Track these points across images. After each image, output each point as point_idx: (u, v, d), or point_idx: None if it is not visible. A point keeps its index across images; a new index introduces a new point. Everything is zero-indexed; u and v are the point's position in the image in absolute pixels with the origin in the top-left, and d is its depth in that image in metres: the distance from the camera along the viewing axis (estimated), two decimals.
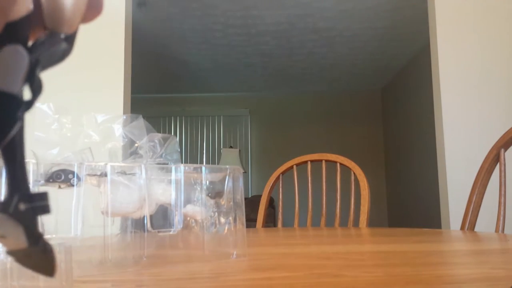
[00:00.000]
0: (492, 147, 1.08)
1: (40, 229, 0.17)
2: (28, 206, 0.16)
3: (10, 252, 0.17)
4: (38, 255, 0.17)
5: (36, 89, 0.17)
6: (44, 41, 0.17)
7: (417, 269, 0.46)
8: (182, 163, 0.55)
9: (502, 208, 1.00)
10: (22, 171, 0.16)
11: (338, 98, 5.83)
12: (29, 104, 0.16)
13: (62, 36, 0.17)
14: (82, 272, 0.46)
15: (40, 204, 0.17)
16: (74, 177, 0.46)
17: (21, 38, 0.16)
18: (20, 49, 0.16)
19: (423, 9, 3.29)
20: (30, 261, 0.18)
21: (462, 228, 1.04)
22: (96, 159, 0.50)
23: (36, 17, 0.17)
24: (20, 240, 0.16)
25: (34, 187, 0.45)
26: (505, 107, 2.13)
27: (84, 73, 2.18)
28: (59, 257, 0.35)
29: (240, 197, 0.57)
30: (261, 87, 5.62)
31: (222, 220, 0.56)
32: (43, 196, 0.17)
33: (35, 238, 0.17)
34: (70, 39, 0.18)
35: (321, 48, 4.22)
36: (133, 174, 0.51)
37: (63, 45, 0.18)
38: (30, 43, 0.17)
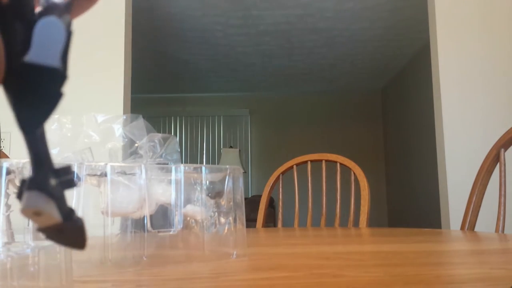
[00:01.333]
0: (492, 147, 1.08)
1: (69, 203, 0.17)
2: (56, 181, 0.16)
3: (43, 229, 0.17)
4: (70, 230, 0.17)
5: (67, 63, 0.16)
6: (44, 10, 0.16)
7: (417, 269, 0.46)
8: (182, 163, 0.55)
9: (502, 208, 1.00)
10: (45, 147, 0.16)
11: (338, 98, 5.83)
12: (65, 78, 0.16)
13: (61, 4, 0.17)
14: (82, 272, 0.46)
15: (67, 178, 0.17)
16: (74, 177, 0.46)
17: (28, 7, 0.16)
18: (58, 21, 0.15)
19: (423, 9, 3.29)
20: (63, 236, 0.17)
21: (462, 228, 1.04)
22: (96, 159, 0.50)
23: None
24: (54, 216, 0.16)
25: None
26: (505, 107, 2.13)
27: (84, 73, 2.18)
28: (59, 257, 0.35)
29: (240, 197, 0.57)
30: (261, 87, 5.62)
31: (222, 220, 0.56)
32: (68, 170, 0.17)
33: (68, 212, 0.17)
34: (68, 8, 0.17)
35: (321, 48, 4.22)
36: (133, 174, 0.51)
37: (64, 15, 0.17)
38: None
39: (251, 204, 3.49)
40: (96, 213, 0.49)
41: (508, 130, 1.05)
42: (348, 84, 5.54)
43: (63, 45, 0.16)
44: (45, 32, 0.15)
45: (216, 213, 0.56)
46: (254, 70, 4.95)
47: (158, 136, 0.55)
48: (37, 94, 0.15)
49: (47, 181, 0.16)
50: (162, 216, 0.53)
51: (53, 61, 0.15)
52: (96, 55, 2.20)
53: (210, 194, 0.55)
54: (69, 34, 0.16)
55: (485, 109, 2.14)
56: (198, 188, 0.55)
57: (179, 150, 0.57)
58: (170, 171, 0.53)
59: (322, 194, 1.45)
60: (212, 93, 5.89)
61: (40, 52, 0.15)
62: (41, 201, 0.16)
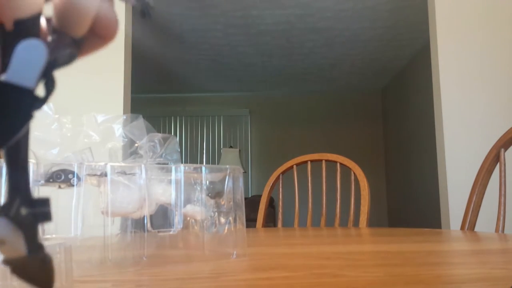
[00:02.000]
0: (492, 147, 1.08)
1: (41, 238, 0.16)
2: (29, 211, 0.15)
3: (7, 261, 0.16)
4: (36, 265, 0.16)
5: (50, 87, 0.16)
6: (52, 41, 0.17)
7: (417, 269, 0.46)
8: (182, 163, 0.55)
9: (502, 208, 1.00)
10: (24, 174, 0.16)
11: (338, 98, 5.83)
12: (42, 102, 0.16)
13: (70, 39, 0.17)
14: (82, 272, 0.46)
15: (42, 210, 0.16)
16: (74, 177, 0.46)
17: (32, 36, 0.16)
18: (40, 44, 0.15)
19: (423, 9, 3.29)
20: (27, 271, 0.16)
21: (462, 228, 1.04)
22: (96, 159, 0.50)
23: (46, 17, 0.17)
24: (19, 247, 0.15)
25: (34, 187, 0.45)
26: (505, 107, 2.13)
27: (84, 73, 2.18)
28: (59, 257, 0.35)
29: (240, 197, 0.57)
30: (261, 87, 5.62)
31: (222, 220, 0.56)
32: (45, 202, 0.16)
33: (35, 246, 0.16)
34: (78, 44, 0.18)
35: (321, 48, 4.22)
36: (133, 174, 0.51)
37: (71, 49, 0.17)
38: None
39: (251, 204, 3.49)
40: (96, 213, 0.49)
41: (508, 130, 1.05)
42: (348, 84, 5.53)
43: (43, 68, 0.15)
44: (24, 54, 0.15)
45: (216, 213, 0.56)
46: (254, 70, 4.94)
47: (158, 136, 0.55)
48: (3, 112, 0.15)
49: (18, 210, 0.15)
50: (162, 216, 0.53)
51: (27, 82, 0.15)
52: (96, 55, 2.19)
53: (210, 194, 0.55)
54: (54, 59, 0.16)
55: (485, 109, 2.14)
56: (198, 188, 0.55)
57: (179, 150, 0.57)
58: (170, 171, 0.53)
59: (322, 194, 1.45)
60: (212, 93, 5.89)
61: (17, 72, 0.15)
62: (7, 229, 0.15)
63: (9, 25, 0.15)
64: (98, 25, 0.18)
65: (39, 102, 0.15)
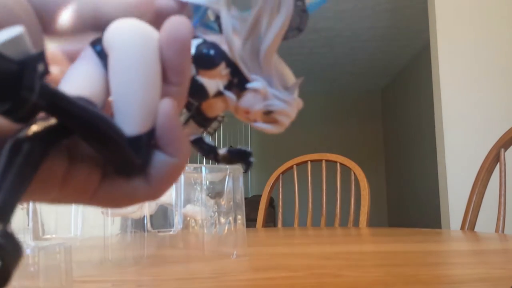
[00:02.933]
0: (492, 147, 1.08)
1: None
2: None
3: None
4: None
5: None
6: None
7: (417, 269, 0.46)
8: None
9: (502, 208, 1.00)
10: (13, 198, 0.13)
11: (338, 98, 5.83)
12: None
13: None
14: (82, 272, 0.46)
15: (8, 247, 0.12)
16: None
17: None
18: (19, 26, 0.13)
19: (423, 9, 3.29)
20: None
21: (462, 228, 1.04)
22: None
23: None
24: None
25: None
26: (505, 107, 2.13)
27: None
28: (59, 257, 0.35)
29: (240, 197, 0.57)
30: None
31: (222, 220, 0.56)
32: (14, 241, 0.13)
33: None
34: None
35: (321, 48, 4.22)
36: None
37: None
38: None
39: (251, 204, 3.49)
40: (96, 213, 0.49)
41: (508, 130, 1.05)
42: (348, 84, 5.53)
43: (9, 37, 0.13)
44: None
45: (216, 213, 0.56)
46: None
47: None
48: None
49: None
50: (162, 216, 0.53)
51: None
52: None
53: (210, 194, 0.55)
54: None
55: (485, 109, 2.14)
56: (198, 188, 0.55)
57: None
58: None
59: (322, 194, 1.45)
60: None
61: None
62: None
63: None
64: (163, 134, 0.16)
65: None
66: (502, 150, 1.05)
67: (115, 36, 0.15)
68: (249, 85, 0.19)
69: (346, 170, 1.44)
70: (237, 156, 0.24)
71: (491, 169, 1.07)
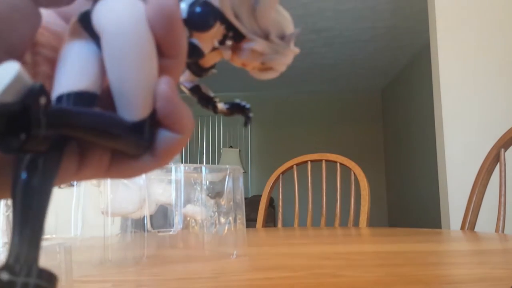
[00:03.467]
0: (492, 147, 1.08)
1: None
2: (32, 284, 0.12)
3: None
4: None
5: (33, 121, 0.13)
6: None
7: (417, 269, 0.46)
8: (182, 163, 0.55)
9: (502, 208, 1.00)
10: (39, 231, 0.13)
11: (338, 98, 5.83)
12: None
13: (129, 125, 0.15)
14: (82, 272, 0.46)
15: (46, 285, 0.12)
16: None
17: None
18: (13, 64, 0.13)
19: (423, 9, 3.29)
20: None
21: (462, 228, 1.04)
22: None
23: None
24: None
25: None
26: (505, 107, 2.13)
27: None
28: (59, 257, 0.35)
29: (240, 197, 0.57)
30: (261, 87, 5.62)
31: (222, 220, 0.56)
32: (51, 278, 0.13)
33: None
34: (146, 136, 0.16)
35: (321, 48, 4.22)
36: None
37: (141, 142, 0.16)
38: None
39: (251, 204, 3.49)
40: (96, 213, 0.49)
41: (508, 130, 1.05)
42: (348, 84, 5.53)
43: (9, 83, 0.13)
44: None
45: (216, 213, 0.56)
46: None
47: None
48: None
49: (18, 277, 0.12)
50: (162, 216, 0.53)
51: None
52: None
53: (210, 194, 0.55)
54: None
55: (485, 109, 2.14)
56: (198, 188, 0.55)
57: None
58: (170, 171, 0.53)
59: (322, 194, 1.45)
60: (212, 93, 5.88)
61: None
62: None
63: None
64: (165, 111, 0.16)
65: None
66: (502, 150, 1.05)
67: (106, 18, 0.15)
68: (245, 46, 0.19)
69: (346, 170, 1.45)
70: (237, 109, 0.23)
71: (491, 169, 1.07)
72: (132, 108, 0.15)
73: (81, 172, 0.16)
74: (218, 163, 5.48)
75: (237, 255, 0.56)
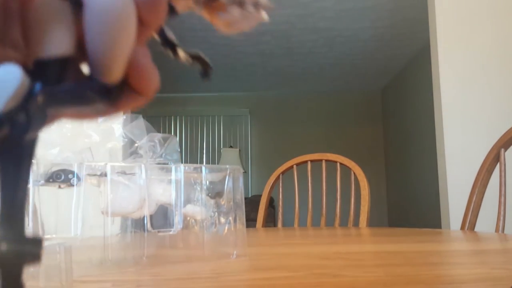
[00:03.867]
0: (492, 147, 1.08)
1: (23, 280, 0.14)
2: (18, 250, 0.13)
3: None
4: None
5: (35, 119, 0.14)
6: (75, 84, 0.16)
7: (417, 269, 0.46)
8: (182, 163, 0.55)
9: (502, 208, 1.00)
10: (21, 199, 0.14)
11: (338, 98, 5.83)
12: (22, 128, 0.14)
13: (101, 86, 0.16)
14: (82, 272, 0.46)
15: (32, 250, 0.14)
16: (74, 177, 0.46)
17: (51, 79, 0.15)
18: (14, 69, 0.14)
19: (423, 9, 3.29)
20: None
21: (462, 228, 1.04)
22: (96, 159, 0.50)
23: (77, 60, 0.16)
24: None
25: (34, 186, 0.45)
26: (505, 107, 2.13)
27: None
28: (59, 257, 0.35)
29: (240, 197, 0.57)
30: (261, 87, 5.62)
31: (222, 220, 0.56)
32: (37, 243, 0.14)
33: None
34: (109, 94, 0.16)
35: (321, 48, 4.22)
36: (133, 174, 0.50)
37: (100, 98, 0.16)
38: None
39: (251, 204, 3.49)
40: (96, 213, 0.49)
41: (508, 130, 1.05)
42: (348, 84, 5.53)
43: (13, 93, 0.14)
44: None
45: (216, 213, 0.56)
46: (254, 70, 4.94)
47: (158, 136, 0.55)
48: None
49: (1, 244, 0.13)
50: (162, 216, 0.53)
51: None
52: None
53: (210, 194, 0.55)
54: (42, 93, 0.15)
55: (485, 109, 2.14)
56: (198, 188, 0.55)
57: (179, 150, 0.57)
58: (170, 171, 0.53)
59: (322, 194, 1.45)
60: (212, 93, 5.89)
61: None
62: None
63: (28, 63, 0.14)
64: (132, 74, 0.17)
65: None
66: (502, 150, 1.05)
67: None
68: (218, 11, 0.19)
69: (346, 170, 1.44)
70: (197, 59, 0.23)
71: (491, 169, 1.07)
72: (107, 73, 0.16)
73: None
74: (218, 163, 5.48)
75: (237, 255, 0.56)
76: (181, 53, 0.22)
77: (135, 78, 0.17)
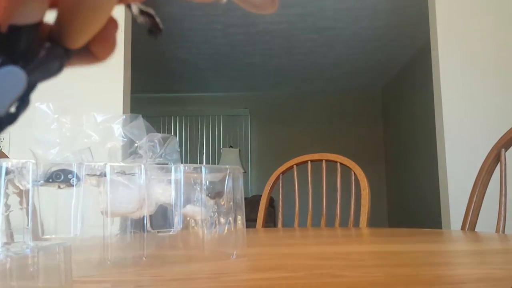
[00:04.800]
0: (493, 147, 1.08)
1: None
2: None
3: None
4: None
5: (22, 107, 0.16)
6: (44, 55, 0.16)
7: (418, 269, 0.46)
8: (182, 163, 0.55)
9: (502, 208, 1.00)
10: None
11: (338, 97, 5.83)
12: (12, 119, 0.15)
13: (63, 50, 0.17)
14: (82, 272, 0.46)
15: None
16: (73, 177, 0.46)
17: (21, 46, 0.15)
18: (19, 72, 0.15)
19: (423, 8, 3.29)
20: None
21: (462, 228, 1.04)
22: (95, 159, 0.50)
23: (43, 27, 0.17)
24: None
25: (34, 187, 0.45)
26: (505, 107, 2.13)
27: (83, 72, 2.18)
28: (58, 257, 0.35)
29: (240, 197, 0.57)
30: (261, 86, 5.62)
31: (222, 220, 0.56)
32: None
33: None
34: (69, 54, 0.17)
35: (321, 48, 4.22)
36: (133, 174, 0.50)
37: (61, 60, 0.17)
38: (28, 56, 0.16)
39: (251, 204, 3.48)
40: (96, 213, 0.49)
41: (509, 130, 1.05)
42: (348, 84, 5.53)
43: (18, 95, 0.15)
44: (1, 81, 0.15)
45: (216, 213, 0.56)
46: (254, 70, 4.94)
47: (157, 136, 0.55)
48: None
49: None
50: (162, 216, 0.53)
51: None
52: None
53: (210, 194, 0.55)
54: (33, 84, 0.16)
55: (486, 109, 2.14)
56: (198, 188, 0.55)
57: (179, 150, 0.57)
58: (170, 171, 0.53)
59: (322, 194, 1.45)
60: (212, 93, 5.89)
61: None
62: None
63: (2, 28, 0.15)
64: (96, 42, 0.17)
65: (8, 119, 0.15)
66: (503, 150, 1.05)
67: None
68: None
69: (346, 170, 1.44)
70: (147, 16, 0.23)
71: (491, 169, 1.07)
72: (74, 42, 0.17)
73: None
74: (218, 163, 5.48)
75: (237, 255, 0.56)
76: (134, 9, 0.23)
77: (97, 47, 0.18)
